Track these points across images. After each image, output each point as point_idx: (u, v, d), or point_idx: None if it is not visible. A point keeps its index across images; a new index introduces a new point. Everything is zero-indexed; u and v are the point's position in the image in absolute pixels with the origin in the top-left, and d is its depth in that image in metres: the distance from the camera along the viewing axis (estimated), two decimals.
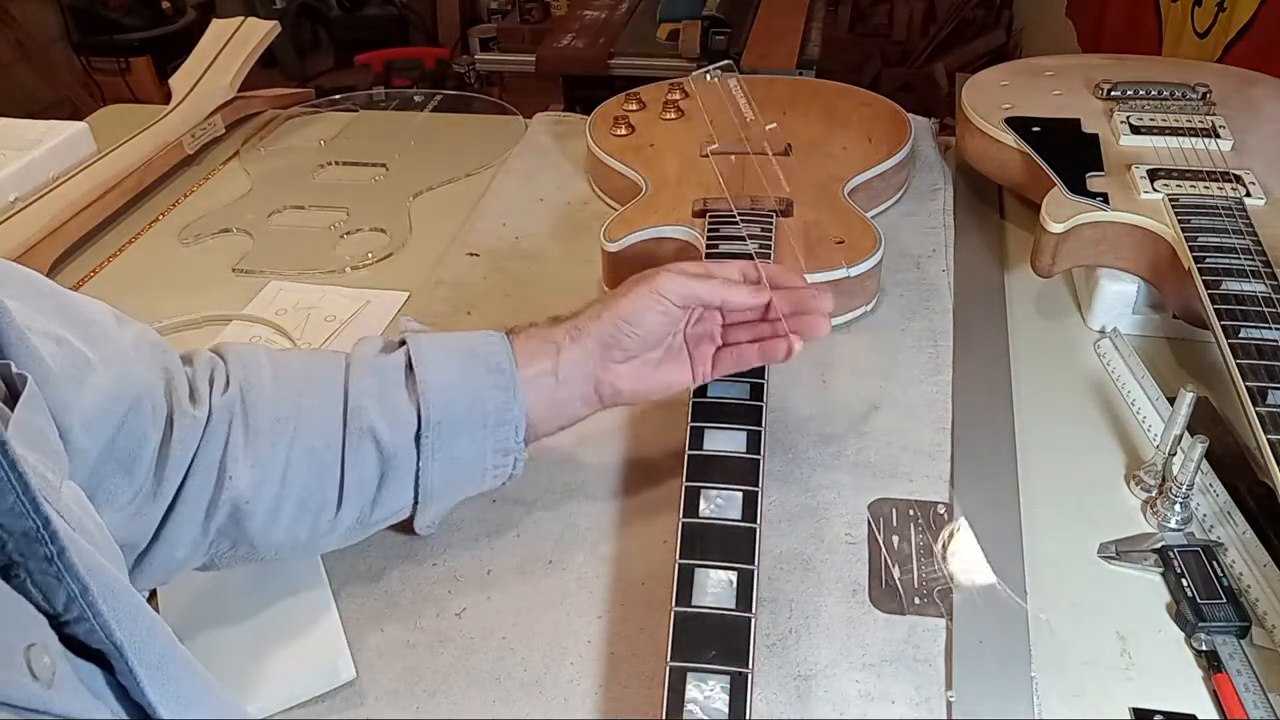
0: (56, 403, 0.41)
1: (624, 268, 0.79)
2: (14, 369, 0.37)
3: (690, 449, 0.56)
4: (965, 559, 0.56)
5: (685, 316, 0.57)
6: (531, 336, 0.57)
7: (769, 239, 0.73)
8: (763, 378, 0.60)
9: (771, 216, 0.76)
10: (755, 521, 0.51)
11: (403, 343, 0.55)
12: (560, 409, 0.56)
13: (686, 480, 0.53)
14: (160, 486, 0.47)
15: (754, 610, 0.47)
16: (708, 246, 0.73)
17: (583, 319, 0.56)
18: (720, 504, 0.52)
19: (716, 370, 0.59)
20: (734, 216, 0.76)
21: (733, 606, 0.47)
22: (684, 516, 0.52)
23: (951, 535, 0.57)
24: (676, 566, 0.49)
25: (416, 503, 0.53)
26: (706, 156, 0.87)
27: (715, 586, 0.48)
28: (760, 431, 0.57)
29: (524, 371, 0.55)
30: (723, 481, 0.53)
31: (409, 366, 0.53)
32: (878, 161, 0.86)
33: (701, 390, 0.59)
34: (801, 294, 0.58)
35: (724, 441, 0.56)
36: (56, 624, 0.32)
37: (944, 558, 0.56)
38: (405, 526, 0.56)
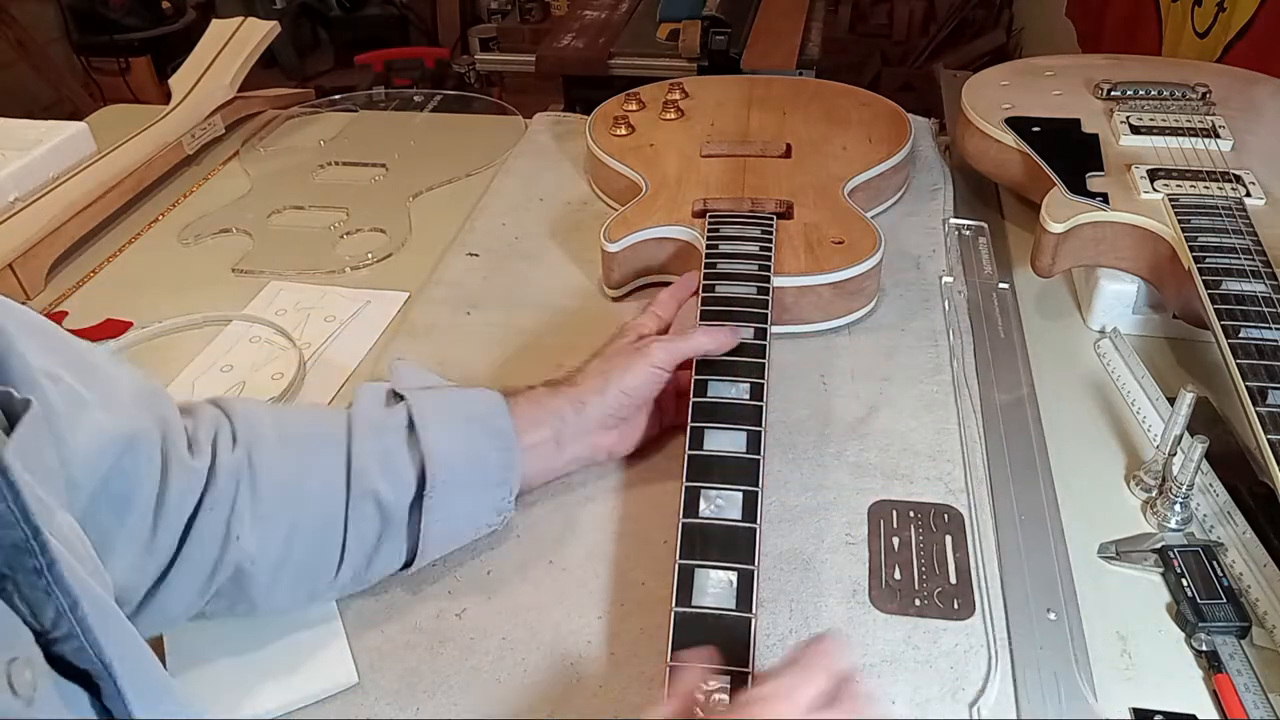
0: (58, 437, 0.40)
1: (624, 268, 0.79)
2: (16, 395, 0.35)
3: (690, 449, 0.56)
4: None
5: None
6: (533, 402, 0.58)
7: (769, 240, 0.73)
8: (763, 378, 0.60)
9: (771, 218, 0.76)
10: (755, 521, 0.51)
11: (401, 397, 0.55)
12: (554, 471, 0.61)
13: (686, 480, 0.53)
14: (155, 538, 0.46)
15: (754, 610, 0.47)
16: (708, 247, 0.73)
17: (585, 392, 0.59)
18: (720, 504, 0.52)
19: (677, 415, 0.63)
20: (734, 217, 0.76)
21: (733, 606, 0.47)
22: (684, 516, 0.52)
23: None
24: (676, 566, 0.49)
25: (410, 559, 0.53)
26: (707, 157, 0.87)
27: (715, 586, 0.48)
28: (760, 431, 0.56)
29: (525, 438, 0.56)
30: (723, 481, 0.53)
31: (410, 425, 0.53)
32: (878, 161, 0.86)
33: (701, 390, 0.59)
34: None
35: (724, 441, 0.56)
36: (43, 643, 0.31)
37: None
38: None
